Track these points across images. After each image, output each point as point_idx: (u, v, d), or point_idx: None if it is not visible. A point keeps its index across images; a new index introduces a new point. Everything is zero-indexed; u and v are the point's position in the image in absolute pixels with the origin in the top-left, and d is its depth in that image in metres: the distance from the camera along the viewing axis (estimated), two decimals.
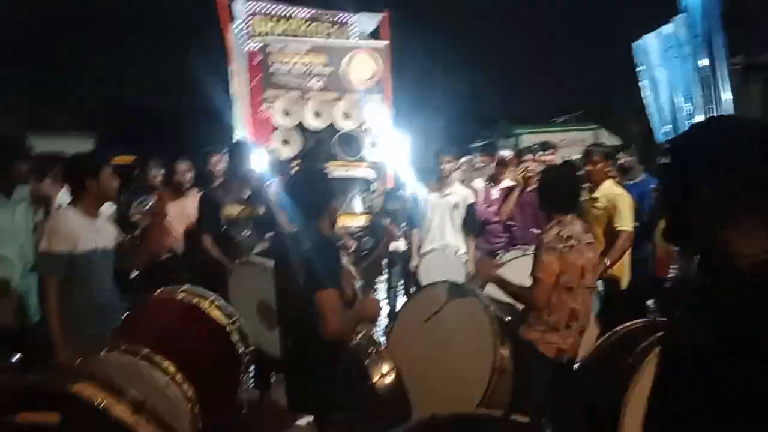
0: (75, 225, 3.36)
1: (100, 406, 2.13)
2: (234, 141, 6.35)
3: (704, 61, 6.16)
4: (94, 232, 3.46)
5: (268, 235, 5.03)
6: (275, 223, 4.97)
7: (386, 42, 9.49)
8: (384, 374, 3.15)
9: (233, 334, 3.39)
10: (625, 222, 4.80)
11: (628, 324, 3.40)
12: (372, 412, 2.83)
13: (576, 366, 3.40)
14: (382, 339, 3.70)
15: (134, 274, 6.04)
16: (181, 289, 3.52)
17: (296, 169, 7.10)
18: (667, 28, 6.85)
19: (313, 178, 3.09)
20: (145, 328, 3.20)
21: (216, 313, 3.40)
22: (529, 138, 12.34)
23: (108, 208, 5.86)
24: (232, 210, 4.88)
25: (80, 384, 2.16)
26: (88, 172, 3.45)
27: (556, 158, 6.82)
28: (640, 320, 3.44)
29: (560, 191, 3.40)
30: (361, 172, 8.25)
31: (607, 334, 3.42)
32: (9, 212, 3.93)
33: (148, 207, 5.39)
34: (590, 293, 3.40)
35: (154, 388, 2.46)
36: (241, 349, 3.41)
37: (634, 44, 7.56)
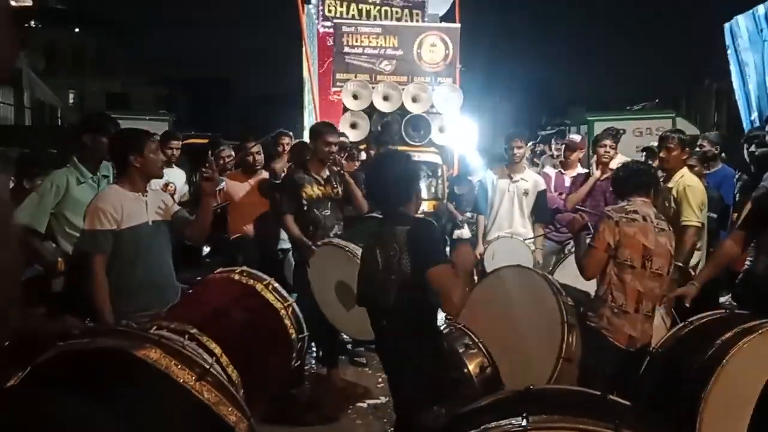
0: (120, 202, 3.35)
1: (167, 371, 2.20)
2: (317, 123, 6.42)
3: None
4: (143, 207, 3.44)
5: (347, 215, 5.08)
6: (352, 204, 5.02)
7: (458, 25, 9.36)
8: (484, 368, 3.12)
9: (286, 319, 3.39)
10: (692, 216, 4.53)
11: (704, 315, 3.24)
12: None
13: (648, 356, 3.27)
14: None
15: (206, 251, 6.25)
16: (238, 270, 3.54)
17: (368, 153, 7.10)
18: (761, 8, 6.43)
19: (400, 162, 3.02)
20: (199, 307, 3.19)
21: (270, 296, 3.40)
22: (602, 125, 11.89)
23: (182, 186, 6.09)
24: (312, 190, 4.94)
25: (148, 349, 2.23)
26: (132, 149, 3.43)
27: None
28: (718, 311, 3.28)
29: (635, 173, 3.36)
30: (428, 156, 8.18)
31: (681, 324, 3.28)
32: (94, 188, 4.06)
33: (219, 187, 5.54)
34: (661, 281, 3.25)
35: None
36: (294, 334, 3.40)
37: (726, 25, 7.14)
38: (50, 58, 31.64)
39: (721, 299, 5.33)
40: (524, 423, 1.60)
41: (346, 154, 6.36)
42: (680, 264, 4.54)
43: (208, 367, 2.31)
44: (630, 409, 1.83)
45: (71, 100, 32.96)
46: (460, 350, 3.22)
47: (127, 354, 2.20)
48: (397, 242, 2.74)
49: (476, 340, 3.29)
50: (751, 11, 6.63)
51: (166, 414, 2.20)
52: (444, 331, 2.89)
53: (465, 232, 7.25)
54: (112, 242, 3.30)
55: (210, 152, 6.73)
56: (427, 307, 2.81)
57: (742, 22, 6.77)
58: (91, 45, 39.35)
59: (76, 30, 40.27)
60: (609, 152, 5.60)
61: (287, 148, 6.12)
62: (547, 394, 1.86)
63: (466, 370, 3.15)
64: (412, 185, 2.94)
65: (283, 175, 5.54)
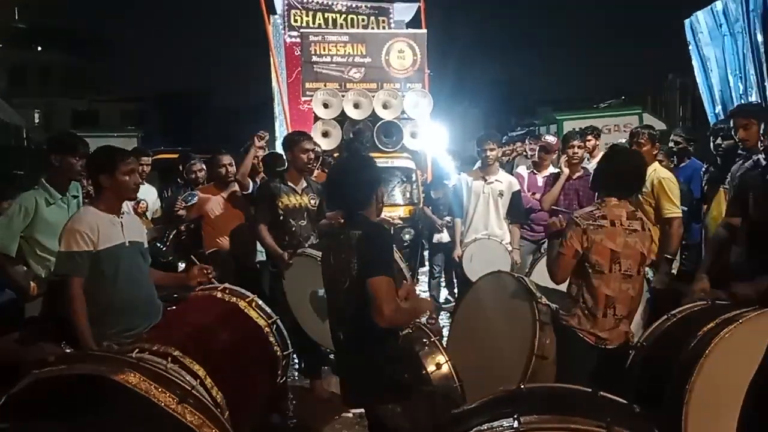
0: (95, 222, 3.28)
1: (148, 394, 2.15)
2: (292, 132, 6.37)
3: (760, 37, 5.88)
4: (118, 228, 3.38)
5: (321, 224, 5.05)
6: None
7: (424, 31, 9.42)
8: (439, 365, 3.12)
9: (270, 336, 3.36)
10: (673, 207, 4.63)
11: (686, 306, 3.27)
12: (424, 403, 2.78)
13: (631, 349, 3.29)
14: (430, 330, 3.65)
15: (182, 267, 6.17)
16: (220, 287, 3.50)
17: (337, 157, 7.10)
18: (718, 4, 6.57)
19: (358, 165, 3.01)
20: (182, 327, 3.14)
21: (254, 313, 3.36)
22: (571, 124, 12.05)
23: (154, 203, 6.01)
24: (289, 200, 4.91)
25: (126, 373, 2.18)
26: (103, 170, 3.36)
27: (600, 143, 6.67)
28: (700, 302, 3.31)
29: (616, 173, 3.34)
30: (401, 162, 8.20)
31: (664, 317, 3.31)
32: (63, 208, 3.99)
33: (192, 202, 5.48)
34: (633, 282, 3.27)
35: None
36: (279, 351, 3.36)
37: (686, 21, 7.29)
38: (14, 78, 31.08)
39: None
40: (515, 424, 1.60)
41: (320, 163, 6.34)
42: (668, 256, 4.62)
43: (189, 389, 2.27)
44: (620, 405, 1.84)
45: (36, 120, 32.37)
46: (418, 350, 3.21)
47: (105, 379, 2.15)
48: (348, 246, 2.72)
49: (432, 338, 3.29)
50: (709, 7, 6.77)
51: None
52: (402, 333, 2.85)
53: (444, 236, 7.28)
54: (89, 264, 3.23)
55: (181, 167, 6.68)
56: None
57: (701, 17, 6.92)
58: (56, 63, 38.73)
59: (39, 49, 39.63)
60: (578, 152, 5.68)
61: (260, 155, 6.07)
62: (537, 393, 1.86)
63: (423, 370, 3.14)
64: (372, 189, 2.89)
65: (250, 183, 5.51)
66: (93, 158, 3.58)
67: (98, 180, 3.38)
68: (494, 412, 1.71)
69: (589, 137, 6.28)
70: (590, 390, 1.85)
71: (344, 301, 2.76)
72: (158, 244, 5.46)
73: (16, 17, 37.56)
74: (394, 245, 2.94)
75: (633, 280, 3.23)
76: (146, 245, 3.66)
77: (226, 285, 3.55)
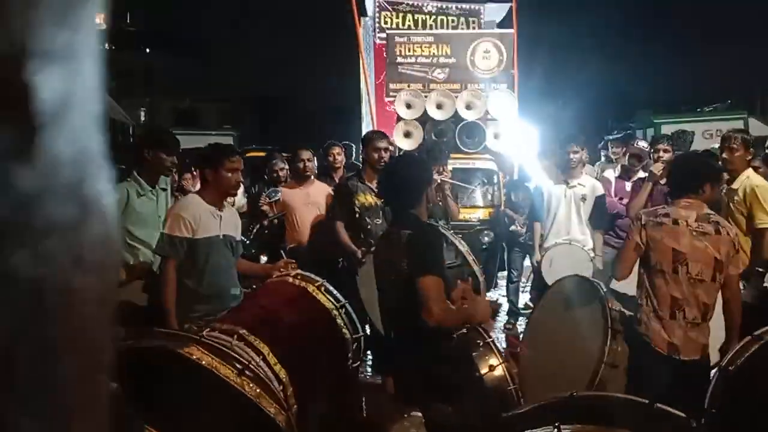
0: (198, 212, 3.54)
1: (210, 367, 2.29)
2: (368, 131, 6.49)
3: None
4: (216, 221, 3.62)
5: None
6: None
7: (511, 30, 9.26)
8: (493, 367, 3.09)
9: (338, 318, 3.45)
10: (766, 217, 4.34)
11: None
12: (475, 404, 2.77)
13: (713, 368, 3.13)
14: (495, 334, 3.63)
15: (264, 261, 6.40)
16: (293, 274, 3.64)
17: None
18: None
19: (408, 164, 3.05)
20: (252, 309, 3.35)
21: (322, 297, 3.48)
22: (670, 128, 11.48)
23: (240, 199, 6.26)
24: (365, 198, 4.99)
25: (191, 347, 2.33)
26: (208, 165, 3.62)
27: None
28: None
29: (680, 173, 3.28)
30: (483, 163, 8.11)
31: (748, 338, 3.10)
32: (152, 200, 4.25)
33: (275, 198, 5.68)
34: (706, 287, 3.12)
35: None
36: (348, 334, 3.45)
37: None
38: (122, 79, 33.21)
39: None
40: None
41: None
42: (759, 269, 4.34)
43: (248, 362, 2.40)
44: (677, 419, 1.75)
45: (142, 118, 34.44)
46: (472, 351, 3.18)
47: (170, 352, 2.31)
48: (399, 244, 2.75)
49: (487, 340, 3.25)
50: None
51: (209, 406, 2.32)
52: (456, 333, 2.85)
53: (520, 229, 7.10)
54: (186, 250, 3.47)
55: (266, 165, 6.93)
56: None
57: None
58: (161, 65, 41.09)
59: (147, 51, 42.15)
60: (663, 156, 5.42)
61: (337, 158, 6.19)
62: (586, 402, 1.81)
63: (476, 372, 3.12)
64: (422, 189, 2.93)
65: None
66: (202, 153, 3.88)
67: (204, 174, 3.69)
68: (539, 419, 1.68)
69: (666, 146, 5.74)
70: (647, 401, 1.78)
71: (395, 300, 2.80)
72: (243, 239, 5.71)
73: (128, 21, 40.11)
74: (448, 244, 2.95)
75: (706, 285, 3.09)
76: (239, 239, 3.89)
77: (299, 271, 3.71)
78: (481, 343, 3.14)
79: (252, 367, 2.43)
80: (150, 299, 3.83)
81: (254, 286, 4.09)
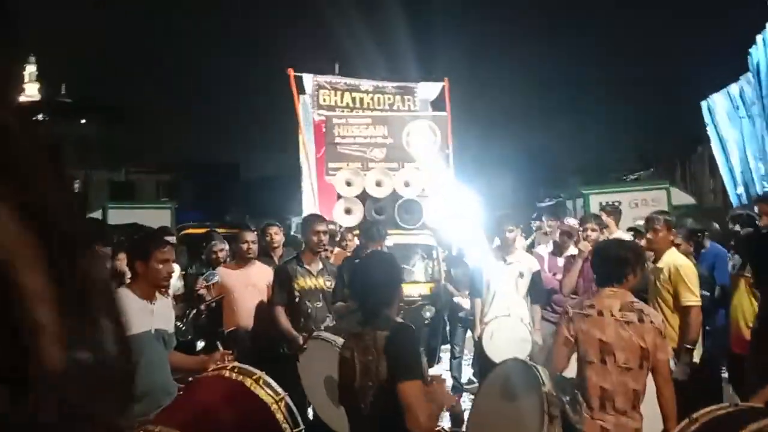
0: (127, 308, 3.40)
1: None
2: (307, 214, 6.50)
3: None
4: (148, 315, 3.48)
5: (337, 306, 5.09)
6: (343, 297, 5.04)
7: (445, 113, 9.65)
8: None
9: (278, 413, 3.34)
10: (691, 296, 4.52)
11: (709, 410, 3.13)
12: None
13: None
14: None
15: (200, 346, 6.20)
16: (229, 367, 3.53)
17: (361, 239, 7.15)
18: (733, 88, 6.62)
19: (385, 265, 3.03)
20: (186, 409, 3.20)
21: (261, 391, 3.37)
22: (597, 198, 12.01)
23: (176, 282, 6.09)
24: (305, 282, 4.97)
25: None
26: (138, 257, 3.48)
27: (613, 219, 6.44)
28: (722, 406, 3.16)
29: (602, 263, 3.40)
30: (422, 239, 8.25)
31: (685, 421, 3.18)
32: None
33: (213, 281, 5.54)
34: (633, 375, 3.18)
35: None
36: (288, 429, 3.34)
37: (702, 103, 7.36)
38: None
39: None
40: None
41: (337, 242, 6.43)
42: (688, 346, 4.48)
43: None
44: None
45: (76, 190, 33.56)
46: None
47: None
48: (376, 347, 2.70)
49: None
50: (725, 89, 6.84)
51: None
52: None
53: (464, 301, 7.16)
54: None
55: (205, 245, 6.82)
56: (403, 413, 2.72)
57: (717, 99, 6.98)
58: (94, 135, 40.36)
59: (82, 121, 41.46)
60: (591, 235, 5.67)
61: (275, 238, 6.16)
62: None
63: None
64: (396, 289, 2.93)
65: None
66: (132, 243, 3.72)
67: (134, 265, 3.50)
68: None
69: (593, 225, 5.92)
70: None
71: (371, 407, 2.70)
72: (178, 323, 5.52)
73: (62, 92, 39.56)
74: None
75: (635, 373, 3.17)
76: (171, 331, 3.74)
77: (235, 364, 3.58)
78: None
79: None
80: None
81: (190, 379, 3.94)
